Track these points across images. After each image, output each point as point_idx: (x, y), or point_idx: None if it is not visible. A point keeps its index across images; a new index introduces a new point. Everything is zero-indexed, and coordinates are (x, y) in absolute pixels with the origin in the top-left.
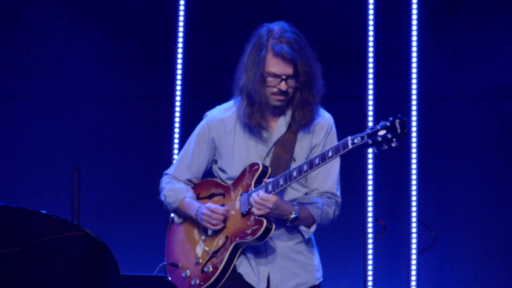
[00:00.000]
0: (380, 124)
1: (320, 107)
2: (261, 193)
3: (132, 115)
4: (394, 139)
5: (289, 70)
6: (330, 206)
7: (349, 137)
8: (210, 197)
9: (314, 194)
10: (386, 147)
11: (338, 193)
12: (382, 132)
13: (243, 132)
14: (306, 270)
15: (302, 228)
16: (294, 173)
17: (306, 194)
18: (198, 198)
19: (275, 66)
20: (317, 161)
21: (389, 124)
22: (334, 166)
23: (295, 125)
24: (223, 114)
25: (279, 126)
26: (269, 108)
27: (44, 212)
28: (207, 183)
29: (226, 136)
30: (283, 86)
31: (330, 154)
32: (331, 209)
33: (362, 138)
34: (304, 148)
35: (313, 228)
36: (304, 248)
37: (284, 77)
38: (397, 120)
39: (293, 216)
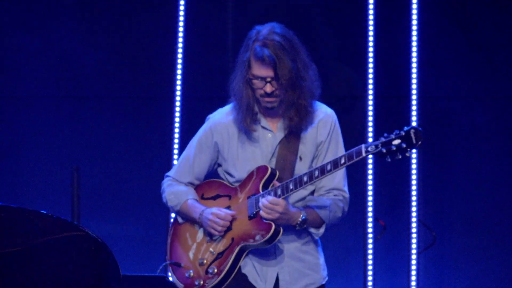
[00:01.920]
0: (395, 133)
1: (316, 106)
2: (270, 197)
3: (132, 115)
4: (408, 149)
5: (270, 73)
6: (338, 204)
7: (363, 145)
8: (215, 198)
9: (322, 191)
10: (400, 157)
11: (345, 188)
12: (396, 142)
13: (247, 135)
14: (313, 270)
15: (312, 230)
16: (305, 178)
17: (313, 191)
18: (202, 198)
19: (257, 68)
20: (329, 167)
21: (404, 134)
22: None
23: (290, 126)
24: (226, 118)
25: (280, 126)
26: (262, 110)
27: (44, 212)
28: (212, 183)
29: (229, 140)
30: (268, 88)
31: (342, 161)
32: (339, 208)
33: (376, 146)
34: (309, 146)
35: (323, 229)
36: (312, 248)
37: (268, 79)
38: (412, 130)
39: (300, 219)
